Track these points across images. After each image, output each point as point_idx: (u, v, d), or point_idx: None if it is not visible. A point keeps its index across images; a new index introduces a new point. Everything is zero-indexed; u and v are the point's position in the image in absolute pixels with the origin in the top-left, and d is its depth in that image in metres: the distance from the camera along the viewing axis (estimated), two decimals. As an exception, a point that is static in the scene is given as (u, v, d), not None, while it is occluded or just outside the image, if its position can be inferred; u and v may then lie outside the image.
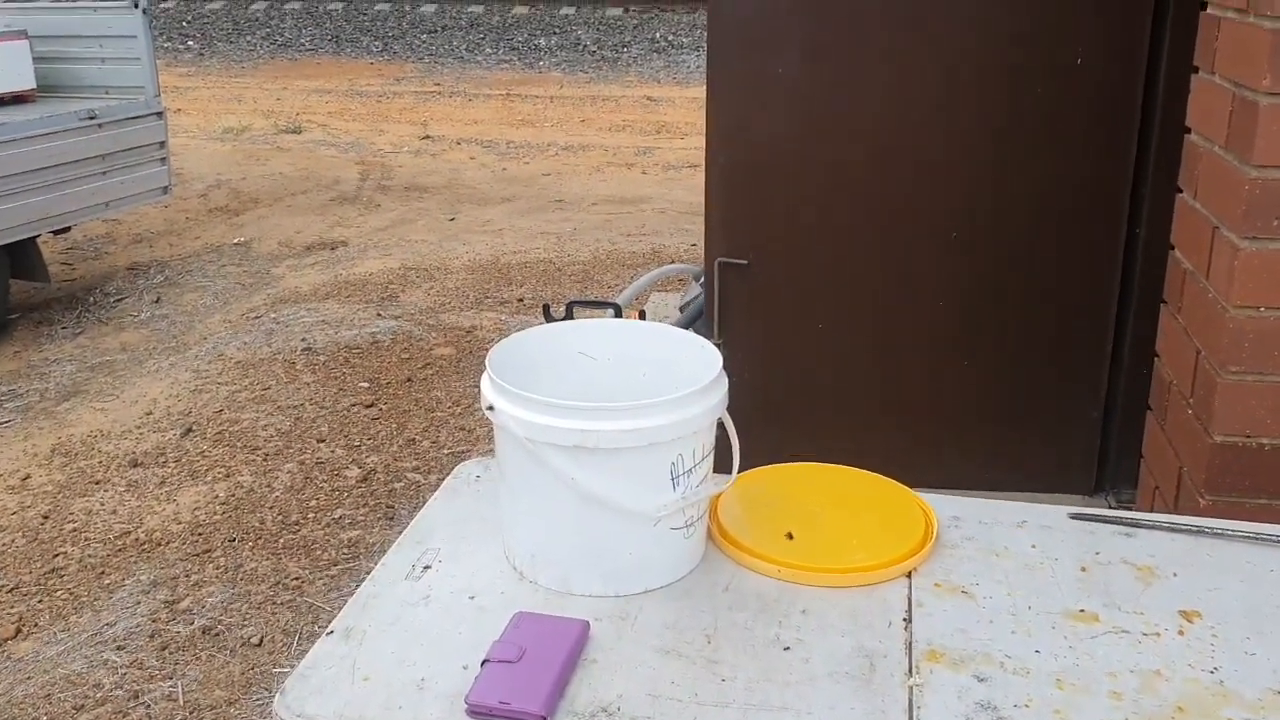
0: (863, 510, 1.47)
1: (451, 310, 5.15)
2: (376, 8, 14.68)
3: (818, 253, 2.86)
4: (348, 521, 3.38)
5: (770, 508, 1.47)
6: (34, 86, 5.65)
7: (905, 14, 2.68)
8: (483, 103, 11.24)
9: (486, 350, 4.54)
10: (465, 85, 12.13)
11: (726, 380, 1.33)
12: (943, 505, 1.50)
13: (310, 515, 3.42)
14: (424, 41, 13.80)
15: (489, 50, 13.47)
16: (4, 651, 2.85)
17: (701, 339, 1.46)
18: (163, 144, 5.79)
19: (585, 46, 13.43)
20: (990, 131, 2.73)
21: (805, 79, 2.74)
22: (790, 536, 1.39)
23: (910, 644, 1.22)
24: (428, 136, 9.75)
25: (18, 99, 5.55)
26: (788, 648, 1.22)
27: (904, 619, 1.27)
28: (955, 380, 2.93)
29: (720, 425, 1.35)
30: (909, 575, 1.35)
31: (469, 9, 14.48)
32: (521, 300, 5.33)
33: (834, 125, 2.77)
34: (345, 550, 3.23)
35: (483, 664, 1.17)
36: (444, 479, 1.65)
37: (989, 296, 2.85)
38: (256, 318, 5.12)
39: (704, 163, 2.89)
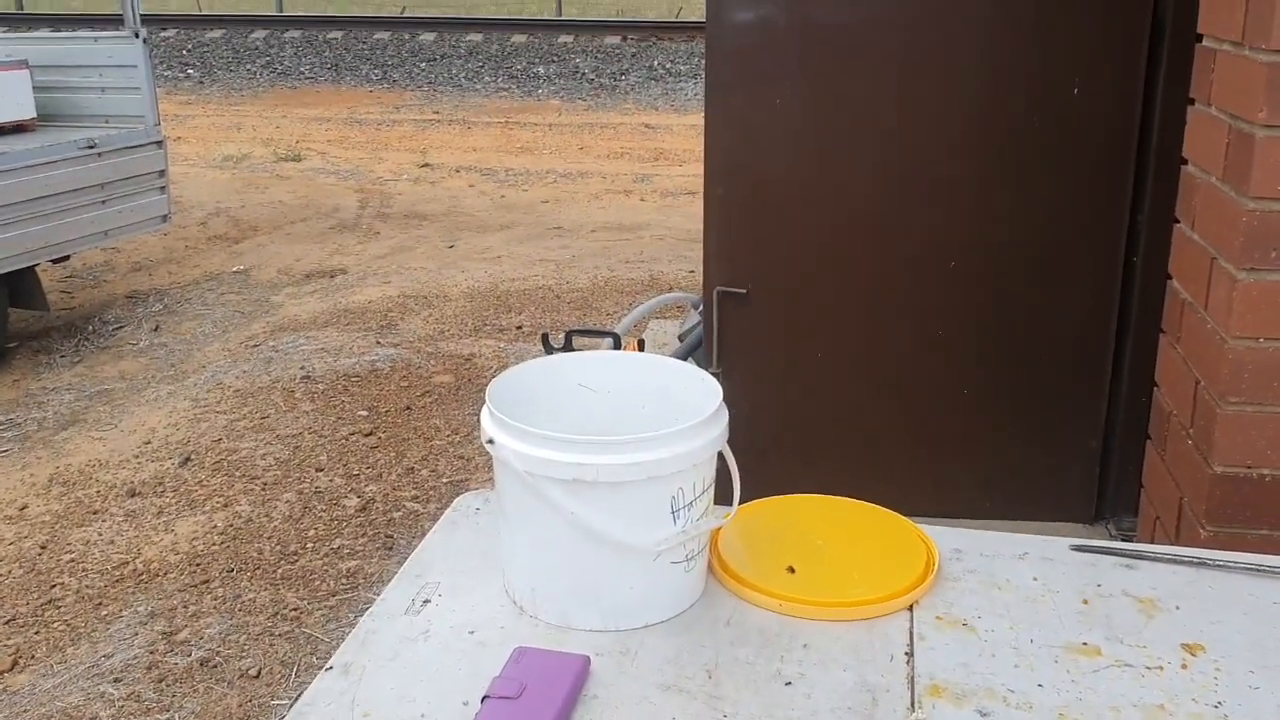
0: (864, 543, 1.47)
1: (450, 338, 5.16)
2: (376, 36, 14.75)
3: (816, 282, 2.86)
4: (346, 551, 3.37)
5: (771, 541, 1.46)
6: (34, 116, 5.67)
7: (903, 46, 2.69)
8: (481, 130, 11.29)
9: (485, 378, 4.52)
10: (464, 113, 12.18)
11: (727, 413, 1.33)
12: (944, 537, 1.50)
13: (309, 545, 3.41)
14: (423, 69, 13.86)
15: (488, 78, 13.54)
16: (1, 684, 2.83)
17: (701, 371, 1.46)
18: (162, 173, 5.81)
19: (584, 74, 13.50)
20: (987, 161, 2.74)
21: (803, 109, 2.75)
22: (792, 570, 1.39)
23: (913, 678, 1.21)
24: (427, 164, 9.78)
25: (18, 128, 5.57)
26: (790, 683, 1.21)
27: (906, 653, 1.26)
28: (954, 410, 2.93)
29: (720, 458, 1.35)
30: (911, 608, 1.35)
31: (468, 37, 14.56)
32: (520, 328, 5.34)
33: (832, 155, 2.78)
34: (344, 580, 3.22)
35: (483, 700, 1.16)
36: (443, 509, 1.64)
37: (987, 326, 2.86)
38: (255, 346, 5.12)
39: (702, 191, 2.91)
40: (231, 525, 3.51)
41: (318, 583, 3.21)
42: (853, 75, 2.73)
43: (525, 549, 1.35)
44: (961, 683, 1.20)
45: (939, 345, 2.88)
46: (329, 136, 11.04)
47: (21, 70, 5.63)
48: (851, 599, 1.33)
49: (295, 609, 3.09)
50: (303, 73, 14.05)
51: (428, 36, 14.65)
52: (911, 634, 1.30)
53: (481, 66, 13.83)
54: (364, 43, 14.58)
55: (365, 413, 4.31)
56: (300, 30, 15.17)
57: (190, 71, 14.26)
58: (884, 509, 1.54)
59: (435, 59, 14.10)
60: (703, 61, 2.75)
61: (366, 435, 4.12)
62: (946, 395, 2.93)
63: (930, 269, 2.82)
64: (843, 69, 2.73)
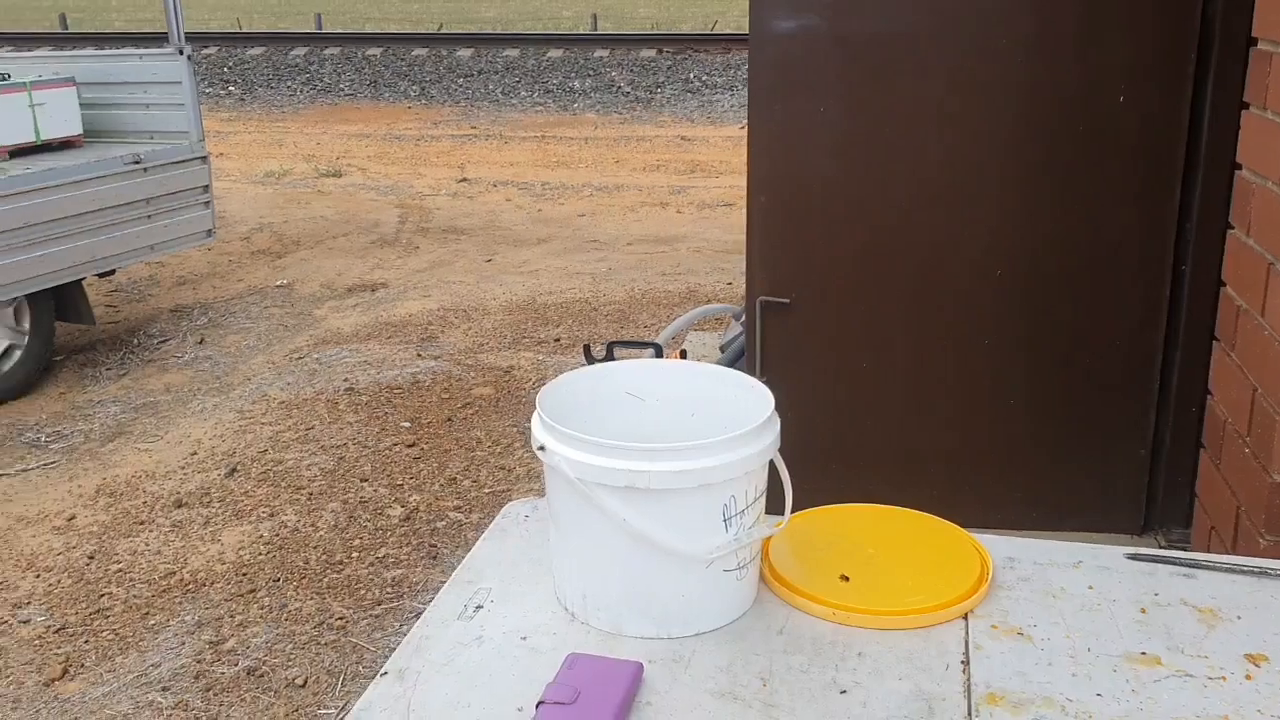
0: (917, 551, 1.46)
1: (490, 350, 5.18)
2: (414, 53, 14.88)
3: (860, 291, 2.85)
4: (391, 560, 3.39)
5: (823, 549, 1.46)
6: (81, 132, 5.77)
7: (947, 55, 2.68)
8: (518, 145, 11.35)
9: (525, 390, 4.53)
10: (501, 128, 12.26)
11: (779, 421, 1.33)
12: (997, 546, 1.48)
13: (354, 554, 3.43)
14: (460, 85, 13.97)
15: (524, 93, 13.62)
16: (52, 692, 2.87)
17: (752, 379, 1.45)
18: (206, 188, 5.88)
19: (619, 88, 13.55)
20: (1034, 169, 2.72)
21: (847, 118, 2.74)
22: (845, 578, 1.38)
23: (969, 687, 1.20)
24: (465, 179, 9.85)
25: (66, 144, 5.67)
26: (845, 691, 1.20)
27: (962, 661, 1.25)
28: (1001, 419, 2.91)
29: (772, 466, 1.34)
30: (965, 617, 1.33)
31: (504, 53, 14.66)
32: (558, 340, 5.35)
33: (876, 164, 2.77)
34: (389, 590, 3.24)
35: (538, 706, 1.16)
36: (485, 519, 1.65)
37: (1034, 334, 2.83)
38: (300, 358, 5.16)
39: (743, 201, 2.90)
40: (277, 535, 3.54)
41: (363, 592, 3.23)
42: (896, 85, 2.72)
43: (576, 555, 1.35)
44: (1019, 692, 1.19)
45: (985, 354, 2.86)
46: (369, 152, 11.15)
47: (69, 87, 5.72)
48: (906, 607, 1.32)
49: (341, 618, 3.10)
50: (342, 89, 14.20)
51: (465, 52, 14.77)
52: (967, 643, 1.29)
53: (518, 81, 13.91)
54: (402, 59, 14.72)
55: (408, 424, 4.33)
56: (339, 47, 15.33)
57: (231, 89, 14.45)
58: (936, 518, 1.53)
59: (472, 75, 14.20)
60: (738, 74, 2.75)
61: (409, 446, 4.14)
62: (993, 405, 2.90)
63: (976, 278, 2.80)
64: (886, 78, 2.72)
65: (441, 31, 17.36)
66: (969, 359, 2.87)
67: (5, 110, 5.35)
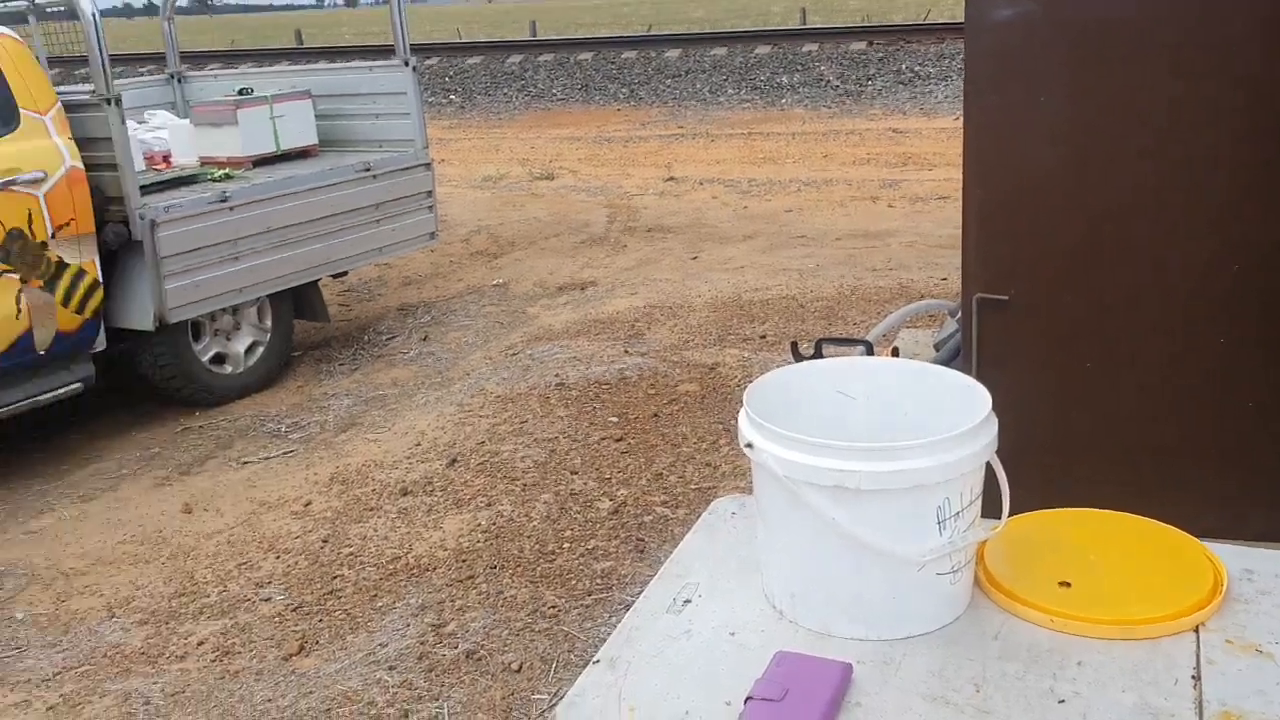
0: (1142, 559, 1.39)
1: (695, 347, 5.23)
2: (623, 55, 15.15)
3: (1084, 288, 2.73)
4: (600, 553, 3.47)
5: (1042, 555, 1.41)
6: (316, 142, 6.15)
7: (1172, 40, 2.54)
8: (725, 143, 11.39)
9: (730, 387, 4.53)
10: (708, 126, 12.33)
11: (996, 421, 1.29)
12: (1233, 557, 1.40)
13: (565, 545, 3.53)
14: (668, 86, 14.13)
15: (731, 91, 13.65)
16: (290, 666, 3.08)
17: (968, 378, 1.42)
18: (430, 193, 6.17)
19: (828, 82, 13.40)
20: (1273, 158, 2.54)
21: (1068, 107, 2.63)
22: (1065, 585, 1.33)
23: (1201, 704, 1.14)
24: (672, 178, 9.95)
25: (303, 154, 6.05)
26: (1063, 700, 1.16)
27: (1192, 676, 1.19)
28: (1235, 423, 2.73)
29: (989, 468, 1.31)
30: (1196, 630, 1.27)
31: (712, 52, 14.73)
32: (764, 337, 5.35)
33: (1098, 154, 2.65)
34: (599, 581, 3.32)
35: (746, 701, 1.18)
36: (691, 515, 1.67)
37: (1274, 332, 2.64)
38: (514, 354, 5.35)
39: (958, 194, 2.83)
40: (494, 524, 3.68)
41: (574, 582, 3.32)
42: (1118, 71, 2.59)
43: (784, 554, 1.36)
44: (1259, 712, 1.12)
45: (1219, 354, 2.69)
46: (580, 155, 11.42)
47: (305, 100, 6.11)
48: (1131, 617, 1.27)
49: (553, 607, 3.20)
50: (555, 94, 14.60)
51: (673, 53, 14.92)
52: (1198, 657, 1.22)
53: (725, 80, 13.96)
54: (612, 62, 15.01)
55: (615, 419, 4.42)
56: (553, 53, 15.77)
57: (452, 97, 15.09)
58: (1164, 525, 1.45)
59: (680, 75, 14.34)
60: (953, 63, 2.68)
61: (617, 440, 4.23)
62: (1227, 407, 2.72)
63: (1210, 272, 2.64)
64: (1108, 65, 2.59)
65: (650, 33, 17.60)
66: (1201, 360, 2.71)
67: (250, 123, 5.76)
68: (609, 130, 12.57)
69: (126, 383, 5.24)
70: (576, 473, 3.99)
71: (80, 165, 4.62)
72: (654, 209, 8.85)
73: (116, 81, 5.06)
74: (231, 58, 17.42)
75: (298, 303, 5.76)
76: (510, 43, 17.51)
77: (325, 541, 3.73)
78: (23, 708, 3.00)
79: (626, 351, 5.19)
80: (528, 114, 14.11)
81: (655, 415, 4.45)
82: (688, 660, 1.29)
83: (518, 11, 28.19)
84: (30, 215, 4.45)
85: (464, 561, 3.49)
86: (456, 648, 3.06)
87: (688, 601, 1.42)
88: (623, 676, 1.28)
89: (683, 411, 4.49)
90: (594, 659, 1.33)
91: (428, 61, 15.97)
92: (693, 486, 3.85)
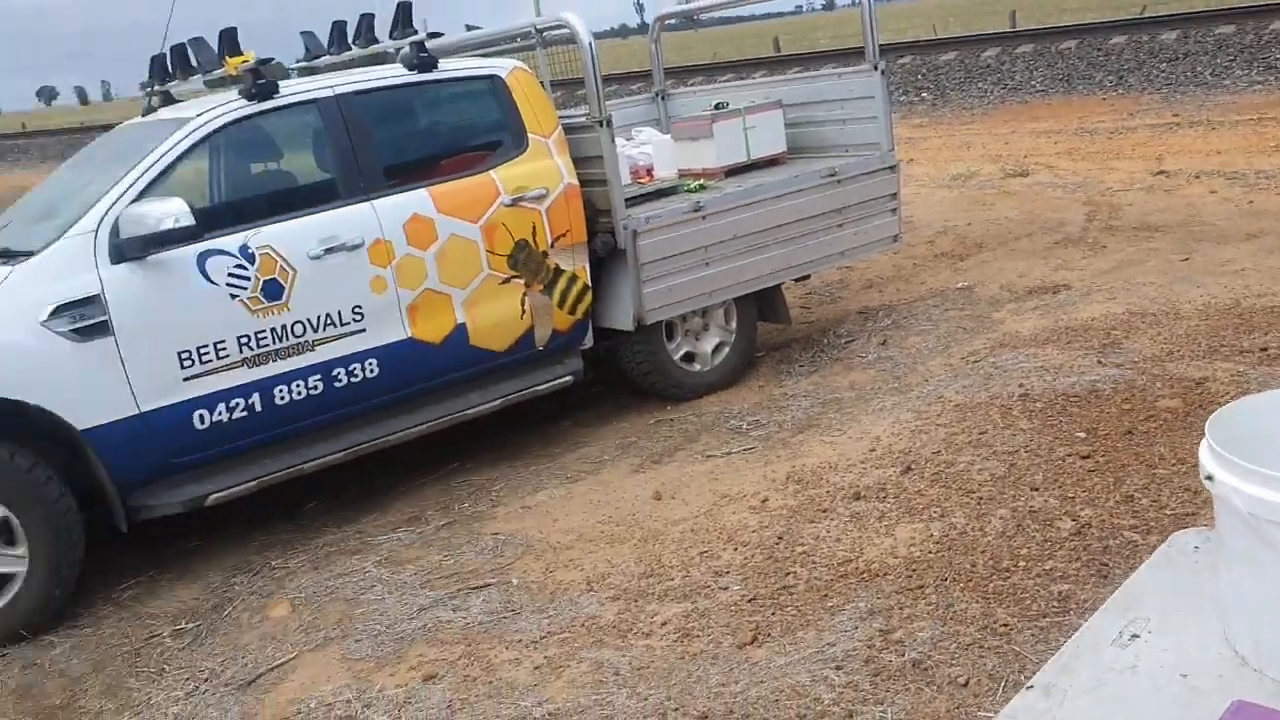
0: None
1: (1180, 359, 4.80)
2: (1111, 41, 14.15)
3: None
4: (1059, 574, 3.31)
5: None
6: (784, 150, 6.36)
7: None
8: (1228, 130, 10.30)
9: (1219, 405, 4.16)
10: (1208, 113, 11.22)
11: None
12: None
13: (1020, 563, 3.41)
14: (1163, 70, 13.00)
15: (1239, 72, 12.30)
16: (743, 655, 3.24)
17: None
18: (894, 195, 6.17)
19: (1364, 55, 11.69)
20: None
21: None
22: None
23: None
24: (1162, 171, 9.17)
25: (771, 162, 6.29)
26: None
27: None
28: None
29: None
30: None
31: (1216, 30, 13.34)
32: (1265, 350, 4.79)
33: None
34: (1055, 603, 3.17)
35: (1191, 751, 1.10)
36: (1164, 542, 1.57)
37: None
38: (976, 362, 5.22)
39: None
40: (946, 535, 3.63)
41: (1028, 602, 3.20)
42: None
43: (1249, 596, 1.25)
44: None
45: None
46: (1057, 149, 10.85)
47: (775, 110, 6.35)
48: None
49: (1005, 625, 3.11)
50: (1033, 86, 13.96)
51: (1169, 35, 13.72)
52: None
53: (1232, 60, 12.61)
54: (1098, 49, 14.08)
55: (1083, 434, 4.18)
56: (1033, 44, 15.09)
57: (924, 94, 14.91)
58: None
59: (1177, 58, 13.15)
60: None
61: (1084, 458, 4.00)
62: None
63: None
64: None
65: (1144, 15, 16.29)
66: None
67: (724, 135, 6.08)
68: (1091, 122, 11.82)
69: (609, 377, 5.76)
70: (1037, 489, 3.83)
71: (576, 182, 5.14)
72: (1139, 205, 8.22)
73: (608, 102, 5.57)
74: (713, 70, 18.39)
75: (761, 305, 6.00)
76: (986, 35, 16.96)
77: (780, 538, 3.87)
78: (514, 664, 3.41)
79: (1100, 362, 4.88)
80: (1002, 108, 13.61)
81: (1129, 432, 4.15)
82: (1130, 697, 1.23)
83: (995, 2, 27.25)
84: (534, 228, 5.03)
85: (914, 571, 3.47)
86: (903, 655, 3.06)
87: (1135, 636, 1.34)
88: (1057, 705, 1.24)
89: (1161, 430, 4.15)
90: (1028, 684, 1.30)
91: (900, 60, 15.88)
92: (1168, 512, 3.56)
